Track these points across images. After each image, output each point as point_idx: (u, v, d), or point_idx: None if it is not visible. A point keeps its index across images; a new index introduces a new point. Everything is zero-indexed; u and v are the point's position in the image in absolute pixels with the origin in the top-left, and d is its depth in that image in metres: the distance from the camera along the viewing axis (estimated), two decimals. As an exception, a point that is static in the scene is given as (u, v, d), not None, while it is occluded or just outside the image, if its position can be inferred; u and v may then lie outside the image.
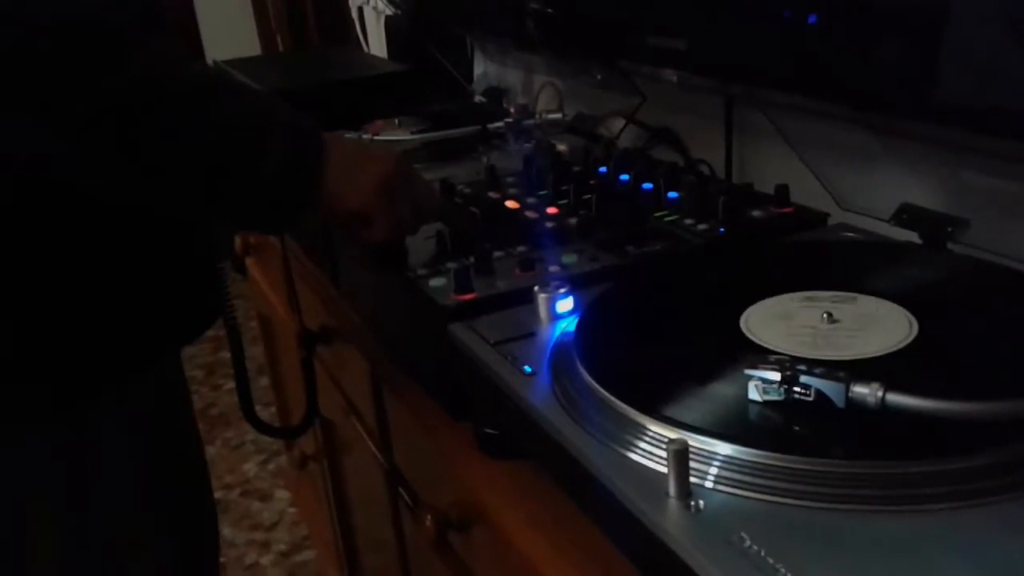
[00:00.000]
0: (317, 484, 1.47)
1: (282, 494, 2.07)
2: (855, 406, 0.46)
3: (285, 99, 0.72)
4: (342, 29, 2.05)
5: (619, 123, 1.12)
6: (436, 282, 0.73)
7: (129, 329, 0.72)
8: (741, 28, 0.78)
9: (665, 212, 0.84)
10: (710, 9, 0.81)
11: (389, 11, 1.63)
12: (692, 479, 0.45)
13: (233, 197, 0.67)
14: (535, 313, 0.66)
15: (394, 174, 0.73)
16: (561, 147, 1.09)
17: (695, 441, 0.47)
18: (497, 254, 0.77)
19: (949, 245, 0.69)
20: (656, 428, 0.49)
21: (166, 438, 0.80)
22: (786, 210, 0.81)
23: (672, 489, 0.45)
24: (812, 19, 0.71)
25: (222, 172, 0.64)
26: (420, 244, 0.80)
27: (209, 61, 1.66)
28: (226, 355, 0.96)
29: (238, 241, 1.50)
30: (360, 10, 1.84)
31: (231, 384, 1.73)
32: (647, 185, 0.91)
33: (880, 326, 0.56)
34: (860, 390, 0.46)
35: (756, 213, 0.81)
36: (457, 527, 0.71)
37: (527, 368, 0.59)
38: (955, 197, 0.72)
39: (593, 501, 0.50)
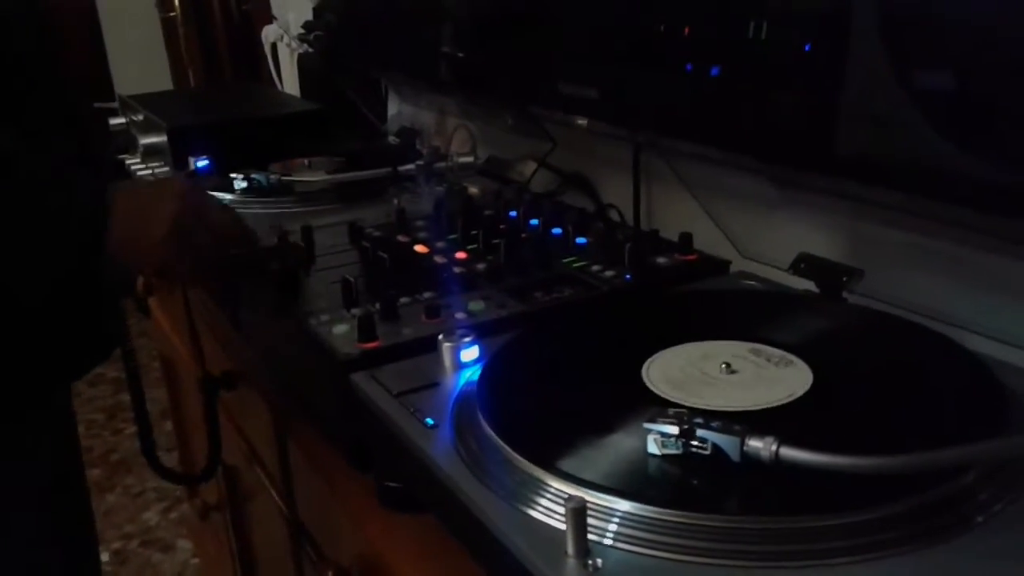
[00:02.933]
0: (220, 535, 1.42)
1: (184, 544, 1.99)
2: (751, 460, 0.46)
3: (192, 137, 0.70)
4: (256, 65, 2.02)
5: (531, 167, 1.12)
6: (339, 329, 0.71)
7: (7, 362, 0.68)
8: (649, 78, 0.79)
9: (573, 258, 0.84)
10: (619, 59, 0.82)
11: (303, 49, 1.61)
12: (591, 536, 0.44)
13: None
14: (440, 362, 0.65)
15: (184, 211, 0.72)
16: (473, 190, 1.09)
17: (595, 497, 0.47)
18: (403, 300, 0.75)
19: (845, 294, 0.71)
20: (556, 484, 0.48)
21: (55, 484, 0.76)
22: (690, 257, 0.82)
23: (570, 548, 0.44)
24: (715, 71, 0.73)
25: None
26: (324, 288, 0.78)
27: (118, 94, 1.62)
28: (127, 398, 0.93)
29: (140, 279, 1.45)
30: (274, 46, 1.82)
31: (133, 428, 1.67)
32: (556, 230, 0.91)
33: (777, 377, 0.57)
34: (754, 444, 0.46)
35: (661, 260, 0.82)
36: (359, 581, 0.69)
37: (429, 420, 0.58)
38: (851, 247, 0.74)
39: (493, 559, 0.49)
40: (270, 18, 1.88)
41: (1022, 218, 0.55)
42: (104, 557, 1.89)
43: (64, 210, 0.66)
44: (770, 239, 0.81)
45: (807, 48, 0.65)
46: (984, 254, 0.64)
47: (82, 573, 0.83)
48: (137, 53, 2.90)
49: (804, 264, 0.73)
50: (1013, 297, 0.64)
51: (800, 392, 0.55)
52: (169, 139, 1.25)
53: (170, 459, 1.78)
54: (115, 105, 1.57)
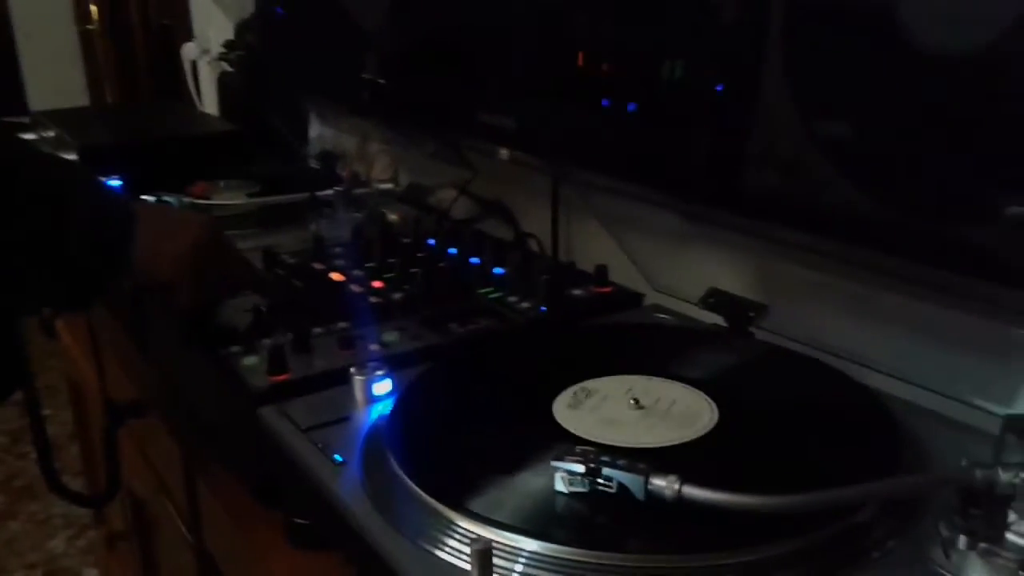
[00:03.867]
0: (128, 564, 1.37)
1: (91, 573, 1.92)
2: (655, 499, 0.47)
3: (104, 156, 0.70)
4: (175, 82, 1.98)
5: (452, 195, 1.12)
6: (249, 360, 0.70)
7: None
8: (566, 111, 0.80)
9: (490, 288, 0.84)
10: (538, 91, 0.83)
11: (223, 68, 1.59)
12: (496, 577, 0.44)
13: (32, 276, 0.64)
14: (352, 395, 0.64)
15: (206, 242, 0.73)
16: (392, 217, 1.09)
17: (501, 537, 0.47)
18: (317, 330, 0.74)
19: (752, 329, 0.72)
20: (463, 523, 0.48)
21: None
22: (604, 290, 0.83)
23: (475, 589, 0.44)
24: (631, 107, 0.74)
25: (17, 250, 0.61)
26: (235, 316, 0.77)
27: (31, 110, 1.57)
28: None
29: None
30: (194, 64, 1.79)
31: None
32: (475, 259, 0.91)
33: (684, 413, 0.58)
34: (658, 483, 0.46)
35: (576, 292, 0.83)
36: (267, 620, 0.67)
37: (337, 457, 0.57)
38: (759, 283, 0.76)
39: (398, 600, 0.48)
40: (191, 35, 1.85)
41: (918, 259, 0.57)
42: (5, 589, 1.82)
43: (117, 203, 0.69)
44: (682, 273, 0.83)
45: (719, 89, 0.66)
46: (885, 293, 0.67)
47: None
48: (52, 67, 2.81)
49: (713, 299, 0.75)
50: (912, 335, 0.66)
51: (706, 429, 0.56)
52: (80, 158, 1.22)
53: (76, 484, 1.72)
54: (27, 120, 1.52)
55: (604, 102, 0.75)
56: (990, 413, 0.60)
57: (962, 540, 0.43)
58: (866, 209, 0.58)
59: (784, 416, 0.59)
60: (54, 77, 2.78)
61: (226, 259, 0.76)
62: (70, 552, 2.00)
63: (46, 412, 0.94)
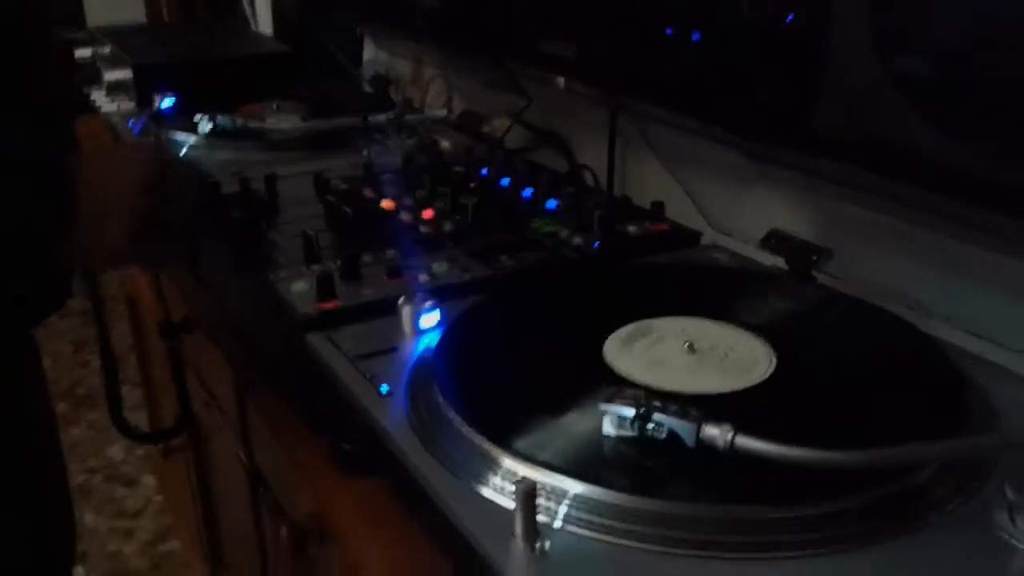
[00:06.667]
0: (183, 474, 1.42)
1: (148, 480, 1.98)
2: (706, 447, 0.46)
3: (158, 75, 0.62)
4: (231, 3, 1.96)
5: (506, 123, 1.10)
6: (298, 286, 0.69)
7: None
8: (627, 40, 0.77)
9: (543, 221, 0.82)
10: (599, 19, 0.80)
11: (279, -14, 1.57)
12: (541, 518, 0.44)
13: None
14: (399, 326, 0.63)
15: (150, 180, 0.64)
16: (444, 145, 1.07)
17: (546, 478, 0.46)
18: (366, 258, 0.74)
19: (814, 273, 0.70)
20: (508, 462, 0.47)
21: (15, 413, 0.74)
22: (660, 227, 0.81)
23: (518, 529, 0.43)
24: (695, 37, 0.71)
25: None
26: (286, 242, 0.76)
27: (89, 26, 1.56)
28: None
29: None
30: (250, -17, 1.76)
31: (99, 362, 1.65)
32: (527, 191, 0.89)
33: (741, 359, 0.56)
34: (710, 432, 0.45)
35: (631, 228, 0.81)
36: (314, 539, 0.69)
37: (384, 388, 0.57)
38: (823, 226, 0.73)
39: (440, 533, 0.48)
40: (247, -48, 1.82)
41: (999, 209, 0.54)
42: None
43: (49, 166, 0.60)
44: (742, 213, 0.80)
45: (789, 19, 0.63)
46: (956, 242, 0.63)
47: (50, 501, 0.82)
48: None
49: (775, 240, 0.72)
50: (983, 287, 0.63)
51: (762, 377, 0.54)
52: (135, 76, 1.21)
53: (135, 395, 1.77)
54: (83, 36, 1.52)
55: (667, 31, 0.72)
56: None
57: (1029, 505, 0.42)
58: (945, 153, 0.54)
59: (845, 367, 0.57)
60: (112, -6, 2.78)
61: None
62: (129, 460, 2.07)
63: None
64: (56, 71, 0.80)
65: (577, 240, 0.78)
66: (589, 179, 0.99)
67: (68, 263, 0.65)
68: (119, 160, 0.69)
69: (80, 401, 2.24)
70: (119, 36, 1.42)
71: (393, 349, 0.61)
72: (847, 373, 0.56)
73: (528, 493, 0.43)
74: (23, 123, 0.62)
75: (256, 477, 0.88)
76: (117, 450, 2.10)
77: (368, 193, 0.90)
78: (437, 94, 1.24)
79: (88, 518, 1.84)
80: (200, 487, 1.29)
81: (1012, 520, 0.42)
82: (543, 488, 0.45)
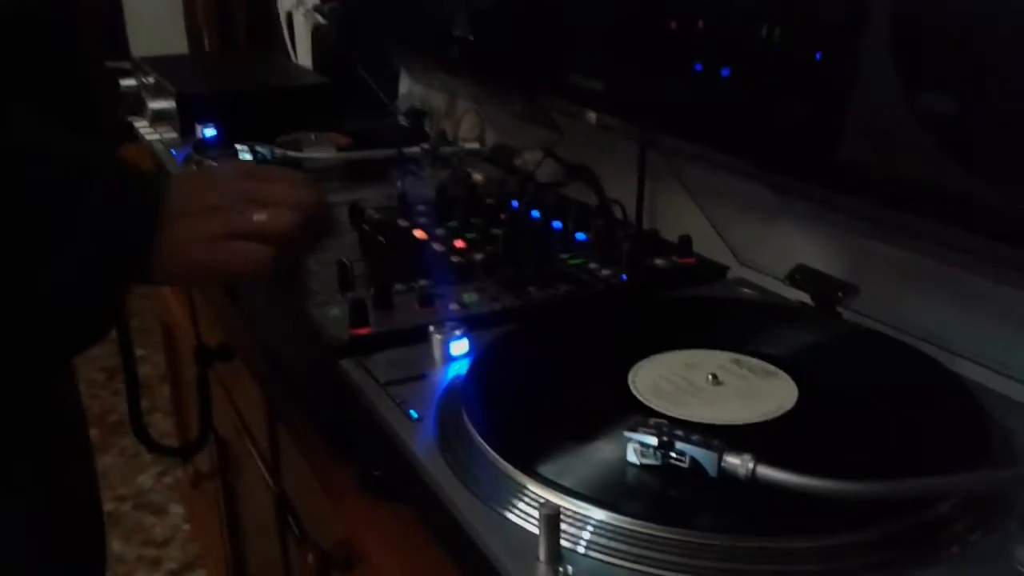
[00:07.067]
0: (211, 503, 1.43)
1: (177, 508, 2.01)
2: (728, 476, 0.46)
3: (200, 105, 0.62)
4: (271, 33, 2.01)
5: (538, 156, 1.12)
6: (332, 312, 0.71)
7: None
8: (656, 74, 0.79)
9: (571, 254, 0.84)
10: (629, 53, 0.82)
11: (318, 20, 1.60)
12: (564, 543, 0.45)
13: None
14: (430, 354, 0.65)
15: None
16: (477, 177, 1.09)
17: (570, 504, 0.47)
18: (399, 287, 0.75)
19: (840, 310, 0.70)
20: (533, 488, 0.48)
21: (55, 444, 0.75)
22: (687, 261, 0.82)
23: (542, 554, 0.44)
24: (725, 72, 0.72)
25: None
26: (321, 269, 0.78)
27: (133, 56, 1.61)
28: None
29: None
30: (289, 16, 1.81)
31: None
32: (557, 224, 0.91)
33: (764, 391, 0.57)
34: (732, 461, 0.46)
35: (659, 262, 0.82)
36: (340, 566, 0.70)
37: (414, 413, 0.58)
38: (849, 262, 0.74)
39: (466, 558, 0.49)
40: (288, -14, 1.86)
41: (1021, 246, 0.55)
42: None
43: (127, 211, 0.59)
44: (768, 248, 0.81)
45: (818, 56, 0.64)
46: (980, 279, 0.64)
47: (84, 529, 0.84)
48: (154, 14, 2.89)
49: (800, 276, 0.73)
50: (1006, 325, 0.63)
51: (784, 409, 0.55)
52: (178, 105, 1.25)
53: (166, 423, 1.80)
54: (127, 66, 1.56)
55: (697, 66, 0.73)
56: (1089, 410, 0.57)
57: (1050, 541, 0.42)
58: (970, 190, 0.55)
59: (867, 401, 0.57)
60: (155, 26, 2.85)
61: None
62: (157, 488, 2.09)
63: (140, 352, 0.97)
64: (101, 97, 0.82)
65: (605, 273, 0.79)
66: (618, 213, 1.00)
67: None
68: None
69: (112, 429, 2.27)
70: (162, 66, 1.46)
71: (423, 376, 0.63)
72: (869, 406, 0.56)
73: (551, 518, 0.44)
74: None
75: (284, 503, 0.90)
76: (146, 478, 2.13)
77: (402, 223, 0.92)
78: (470, 127, 1.26)
79: (116, 546, 1.86)
80: (228, 515, 1.30)
81: (1031, 555, 0.42)
82: (567, 514, 0.46)
